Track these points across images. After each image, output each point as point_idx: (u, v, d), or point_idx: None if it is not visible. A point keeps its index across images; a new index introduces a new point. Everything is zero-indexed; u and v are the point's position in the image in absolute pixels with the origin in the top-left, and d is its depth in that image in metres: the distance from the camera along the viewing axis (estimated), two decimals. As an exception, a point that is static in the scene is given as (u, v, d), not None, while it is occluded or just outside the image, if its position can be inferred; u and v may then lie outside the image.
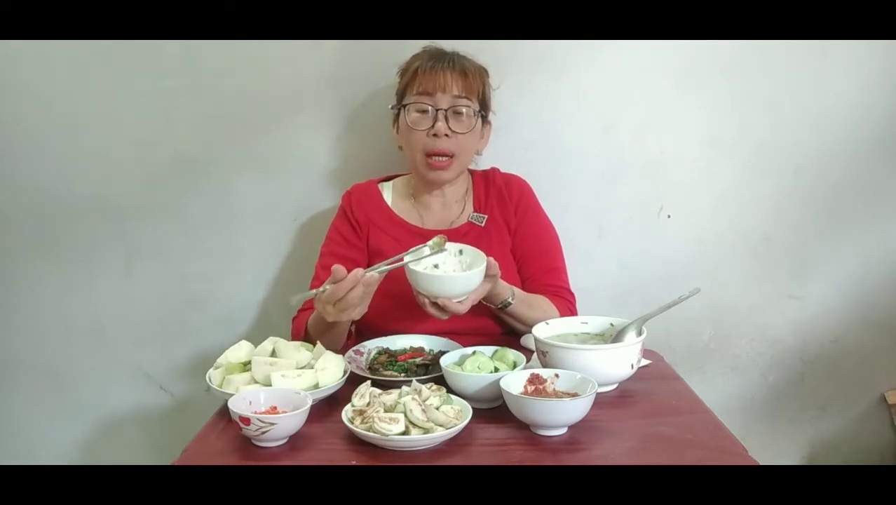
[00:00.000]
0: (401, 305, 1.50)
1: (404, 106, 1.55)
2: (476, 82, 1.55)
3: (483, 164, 1.72)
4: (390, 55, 1.65)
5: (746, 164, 1.81)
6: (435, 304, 1.33)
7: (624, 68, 1.76)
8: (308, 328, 1.48)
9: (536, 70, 1.75)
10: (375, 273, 1.28)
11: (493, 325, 1.54)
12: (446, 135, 1.51)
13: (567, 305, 1.57)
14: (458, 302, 1.33)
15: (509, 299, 1.45)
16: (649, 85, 1.77)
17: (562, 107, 1.78)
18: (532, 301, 1.51)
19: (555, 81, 1.77)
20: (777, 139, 1.79)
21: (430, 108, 1.52)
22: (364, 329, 1.58)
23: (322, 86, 1.77)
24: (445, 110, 1.51)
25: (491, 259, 1.33)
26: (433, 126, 1.51)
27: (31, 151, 1.81)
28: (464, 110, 1.52)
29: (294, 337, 1.53)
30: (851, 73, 1.75)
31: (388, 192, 1.65)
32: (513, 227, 1.61)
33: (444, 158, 1.53)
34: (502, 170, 1.69)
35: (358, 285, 1.25)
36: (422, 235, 1.46)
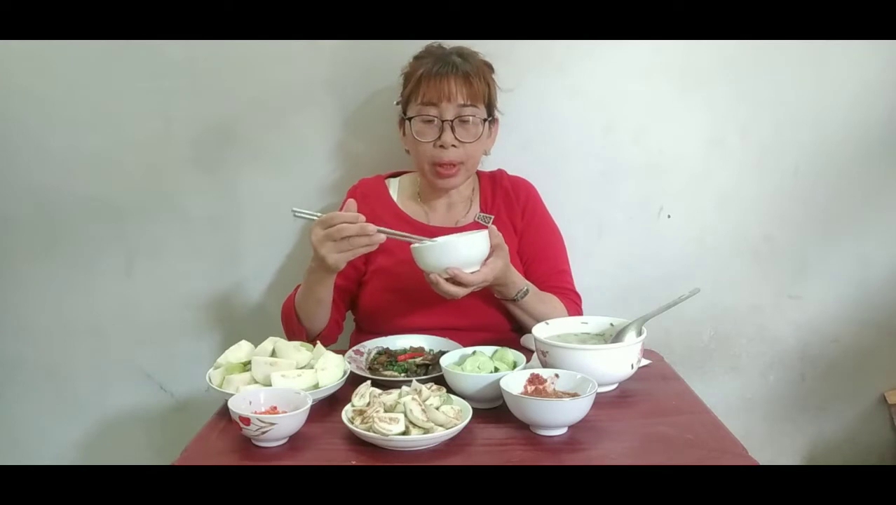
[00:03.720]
0: (403, 300, 1.51)
1: (410, 118, 1.53)
2: (481, 86, 1.52)
3: (484, 164, 1.72)
4: (391, 55, 1.65)
5: (746, 164, 1.81)
6: (448, 280, 1.32)
7: (624, 68, 1.76)
8: (295, 300, 1.48)
9: (536, 70, 1.75)
10: (379, 233, 1.29)
11: (503, 320, 1.54)
12: (453, 145, 1.50)
13: (574, 307, 1.57)
14: (471, 273, 1.32)
15: (525, 289, 1.46)
16: (649, 85, 1.77)
17: (562, 107, 1.78)
18: (543, 296, 1.52)
19: (555, 81, 1.77)
20: (777, 139, 1.79)
21: (435, 119, 1.50)
22: (365, 324, 1.58)
23: (323, 86, 1.77)
24: (451, 121, 1.49)
25: (493, 227, 1.35)
26: (440, 137, 1.50)
27: (31, 151, 1.81)
28: (470, 119, 1.50)
29: (285, 314, 1.52)
30: (852, 73, 1.75)
31: (394, 189, 1.65)
32: (519, 228, 1.62)
33: (453, 167, 1.52)
34: (503, 169, 1.70)
35: (357, 225, 1.28)
36: (426, 233, 1.47)
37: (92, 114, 1.78)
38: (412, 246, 1.35)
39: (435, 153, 1.51)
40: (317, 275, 1.38)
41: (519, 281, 1.46)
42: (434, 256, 1.32)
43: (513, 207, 1.63)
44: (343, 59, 1.75)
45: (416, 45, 1.61)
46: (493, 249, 1.36)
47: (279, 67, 1.75)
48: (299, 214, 1.37)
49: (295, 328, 1.49)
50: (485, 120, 1.54)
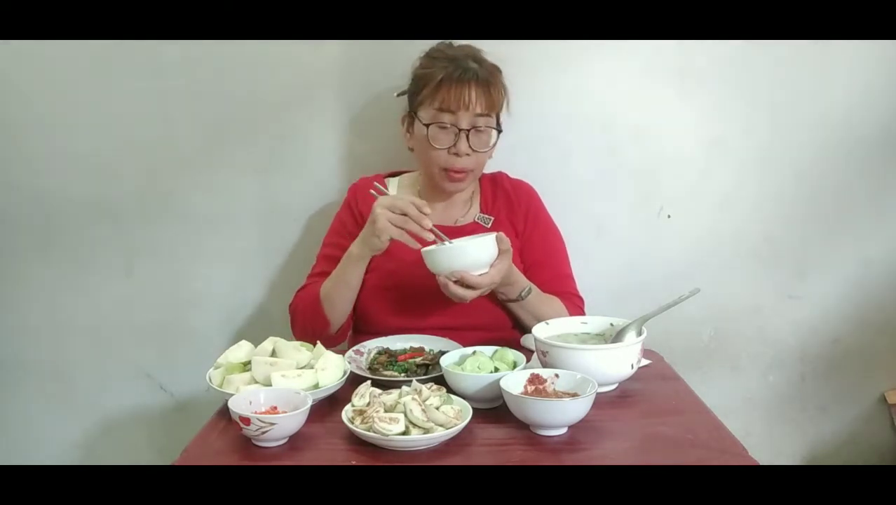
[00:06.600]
0: (398, 299, 1.51)
1: (426, 125, 1.51)
2: (498, 95, 1.53)
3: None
4: (392, 56, 1.65)
5: (747, 164, 1.81)
6: (457, 282, 1.34)
7: (624, 68, 1.76)
8: (322, 290, 1.49)
9: (536, 70, 1.75)
10: (432, 238, 1.33)
11: (498, 319, 1.54)
12: (467, 154, 1.50)
13: (577, 310, 1.58)
14: (479, 275, 1.34)
15: (528, 288, 1.47)
16: (649, 85, 1.77)
17: (562, 107, 1.78)
18: (545, 298, 1.53)
19: (555, 81, 1.77)
20: (777, 139, 1.79)
21: (451, 126, 1.49)
22: (362, 323, 1.58)
23: (324, 86, 1.77)
24: (468, 130, 1.49)
25: (501, 233, 1.37)
26: (455, 145, 1.49)
27: (30, 152, 1.81)
28: (484, 128, 1.51)
29: (306, 309, 1.52)
30: (852, 73, 1.75)
31: (393, 188, 1.65)
32: (520, 231, 1.62)
33: (464, 173, 1.53)
34: (503, 169, 1.70)
35: (417, 212, 1.32)
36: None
37: (91, 114, 1.78)
38: (422, 249, 1.36)
39: (449, 160, 1.51)
40: (356, 252, 1.43)
41: (522, 281, 1.47)
42: (444, 258, 1.34)
43: (514, 210, 1.63)
44: (344, 60, 1.75)
45: (418, 46, 1.60)
46: (500, 253, 1.38)
47: (279, 68, 1.75)
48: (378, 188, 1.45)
49: (320, 320, 1.49)
50: (496, 127, 1.55)
